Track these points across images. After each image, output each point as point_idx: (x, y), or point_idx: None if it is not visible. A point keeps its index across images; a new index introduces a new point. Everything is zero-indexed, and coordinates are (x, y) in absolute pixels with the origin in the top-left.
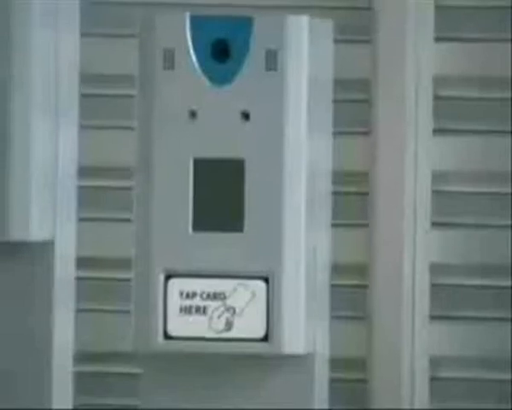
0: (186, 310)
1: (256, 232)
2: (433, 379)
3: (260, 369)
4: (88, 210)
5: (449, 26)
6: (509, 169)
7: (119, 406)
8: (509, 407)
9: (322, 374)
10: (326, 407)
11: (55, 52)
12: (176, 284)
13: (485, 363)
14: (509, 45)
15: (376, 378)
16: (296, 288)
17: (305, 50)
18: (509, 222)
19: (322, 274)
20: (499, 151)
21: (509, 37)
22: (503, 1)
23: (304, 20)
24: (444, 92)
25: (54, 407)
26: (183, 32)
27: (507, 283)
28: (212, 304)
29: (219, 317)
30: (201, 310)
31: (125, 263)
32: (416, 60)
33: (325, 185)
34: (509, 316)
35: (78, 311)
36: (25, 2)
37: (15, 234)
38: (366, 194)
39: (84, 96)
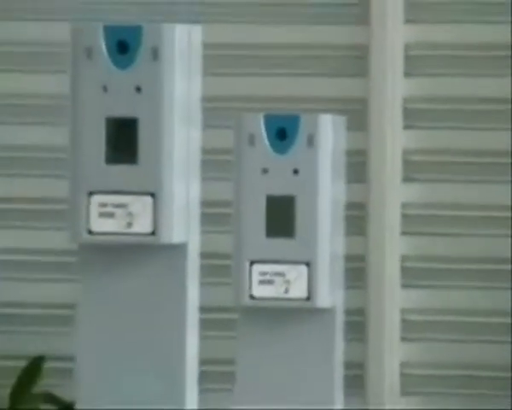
0: (264, 282)
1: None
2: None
3: (300, 322)
4: None
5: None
6: None
7: None
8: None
9: (340, 325)
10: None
11: None
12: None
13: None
14: None
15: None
16: (325, 268)
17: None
18: None
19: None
20: None
21: None
22: None
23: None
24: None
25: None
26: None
27: None
28: (277, 279)
29: (281, 286)
30: (272, 282)
31: None
32: None
33: (342, 194)
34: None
35: None
36: None
37: (163, 238)
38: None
39: None
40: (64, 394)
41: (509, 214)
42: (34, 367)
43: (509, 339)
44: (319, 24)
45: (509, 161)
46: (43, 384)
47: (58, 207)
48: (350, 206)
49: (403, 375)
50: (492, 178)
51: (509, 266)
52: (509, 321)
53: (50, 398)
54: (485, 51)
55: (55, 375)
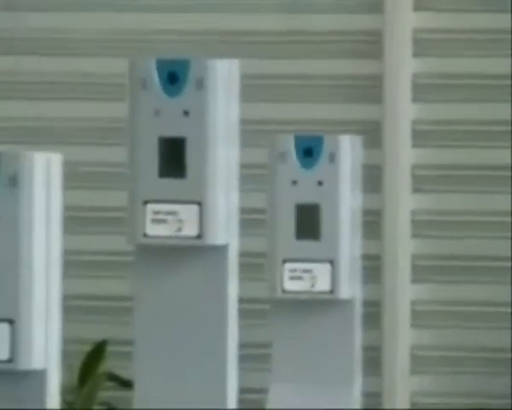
0: (294, 277)
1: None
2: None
3: (325, 311)
4: None
5: None
6: None
7: None
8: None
9: (359, 314)
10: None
11: None
12: None
13: None
14: None
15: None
16: (346, 265)
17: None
18: None
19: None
20: None
21: None
22: None
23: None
24: None
25: None
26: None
27: None
28: (305, 276)
29: (309, 281)
30: (301, 278)
31: None
32: None
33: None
34: None
35: None
36: None
37: (207, 240)
38: None
39: None
40: (124, 373)
41: (507, 219)
42: (99, 350)
43: (509, 325)
44: (340, 58)
45: (508, 174)
46: (106, 365)
47: (118, 214)
48: (367, 213)
49: (413, 356)
50: (488, 188)
51: (507, 264)
52: (509, 310)
53: (112, 377)
54: (488, 80)
55: (117, 357)
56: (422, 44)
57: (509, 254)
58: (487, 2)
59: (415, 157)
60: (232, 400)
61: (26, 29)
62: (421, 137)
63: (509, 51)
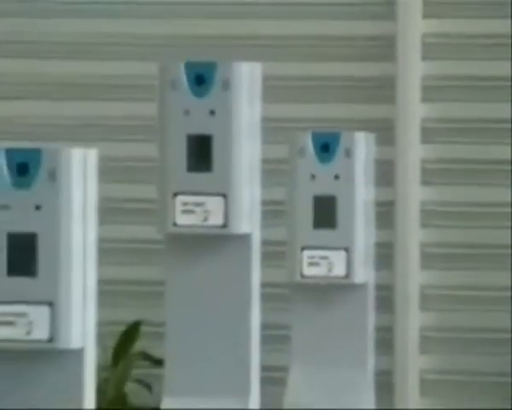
0: (312, 264)
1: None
2: None
3: (341, 295)
4: None
5: None
6: None
7: None
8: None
9: (372, 297)
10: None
11: None
12: None
13: None
14: None
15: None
16: (361, 253)
17: None
18: None
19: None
20: None
21: None
22: None
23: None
24: None
25: None
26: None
27: None
28: (322, 262)
29: (326, 267)
30: (319, 264)
31: None
32: None
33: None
34: None
35: None
36: None
37: (232, 229)
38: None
39: None
40: (156, 352)
41: (508, 210)
42: (132, 331)
43: (509, 309)
44: (356, 61)
45: (509, 168)
46: (140, 345)
47: (149, 206)
48: (380, 204)
49: (422, 337)
50: (491, 181)
51: (509, 251)
52: (509, 294)
53: (145, 356)
54: (491, 81)
55: (149, 338)
56: (431, 49)
57: (510, 243)
58: (490, 9)
59: (424, 153)
60: (255, 377)
61: (66, 34)
62: (429, 134)
63: (510, 55)
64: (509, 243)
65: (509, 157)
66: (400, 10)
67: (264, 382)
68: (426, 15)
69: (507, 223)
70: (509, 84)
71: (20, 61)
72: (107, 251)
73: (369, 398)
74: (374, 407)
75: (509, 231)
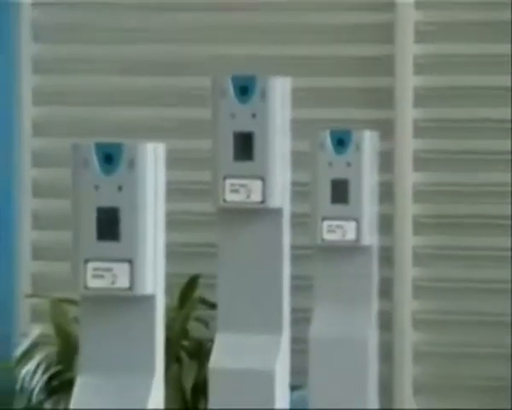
0: (330, 230)
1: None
2: None
3: (351, 256)
4: None
5: None
6: None
7: None
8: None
9: (376, 257)
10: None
11: None
12: None
13: None
14: None
15: None
16: (367, 221)
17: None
18: None
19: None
20: None
21: None
22: None
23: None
24: None
25: None
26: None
27: None
28: (338, 230)
29: (341, 233)
30: (335, 231)
31: None
32: None
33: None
34: None
35: None
36: None
37: (270, 204)
38: None
39: None
40: (211, 298)
41: (491, 189)
42: (193, 281)
43: (502, 266)
44: (363, 76)
45: (496, 157)
46: (199, 292)
47: (205, 187)
48: (382, 185)
49: (414, 286)
50: (471, 167)
51: (493, 221)
52: (500, 254)
53: (203, 301)
54: (482, 91)
55: (206, 287)
56: (423, 67)
57: (494, 213)
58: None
59: (416, 145)
60: (286, 317)
61: (151, 55)
62: (421, 131)
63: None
64: (493, 213)
65: (494, 148)
66: (398, 35)
67: (293, 320)
68: (417, 41)
69: (491, 199)
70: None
71: (116, 78)
72: (173, 223)
73: (373, 338)
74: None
75: (492, 205)
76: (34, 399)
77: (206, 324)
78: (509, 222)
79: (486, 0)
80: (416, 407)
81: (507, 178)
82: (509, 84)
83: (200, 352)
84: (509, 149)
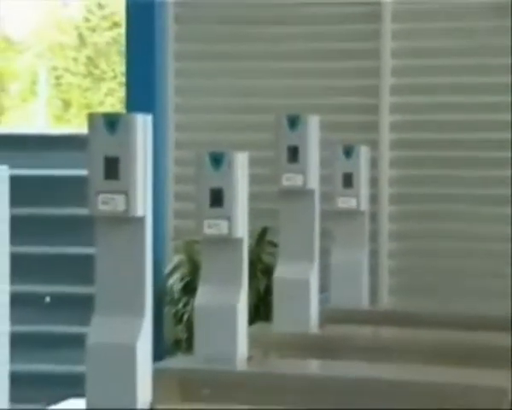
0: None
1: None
2: None
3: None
4: None
5: None
6: None
7: None
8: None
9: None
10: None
11: None
12: None
13: None
14: None
15: None
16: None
17: None
18: None
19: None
20: None
21: None
22: None
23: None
24: None
25: None
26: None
27: None
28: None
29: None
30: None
31: None
32: None
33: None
34: None
35: None
36: None
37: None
38: None
39: None
40: (275, 239)
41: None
42: (264, 231)
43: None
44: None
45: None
46: (267, 237)
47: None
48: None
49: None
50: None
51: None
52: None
53: (271, 243)
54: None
55: (272, 233)
56: (398, 87)
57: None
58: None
59: (391, 133)
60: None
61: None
62: (396, 128)
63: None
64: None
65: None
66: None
67: None
68: (394, 73)
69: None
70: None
71: None
72: None
73: None
74: None
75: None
76: (175, 296)
77: (273, 256)
78: None
79: None
80: None
81: None
82: None
83: (269, 271)
84: None
